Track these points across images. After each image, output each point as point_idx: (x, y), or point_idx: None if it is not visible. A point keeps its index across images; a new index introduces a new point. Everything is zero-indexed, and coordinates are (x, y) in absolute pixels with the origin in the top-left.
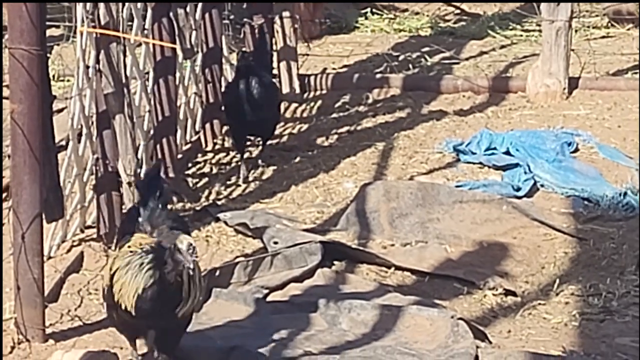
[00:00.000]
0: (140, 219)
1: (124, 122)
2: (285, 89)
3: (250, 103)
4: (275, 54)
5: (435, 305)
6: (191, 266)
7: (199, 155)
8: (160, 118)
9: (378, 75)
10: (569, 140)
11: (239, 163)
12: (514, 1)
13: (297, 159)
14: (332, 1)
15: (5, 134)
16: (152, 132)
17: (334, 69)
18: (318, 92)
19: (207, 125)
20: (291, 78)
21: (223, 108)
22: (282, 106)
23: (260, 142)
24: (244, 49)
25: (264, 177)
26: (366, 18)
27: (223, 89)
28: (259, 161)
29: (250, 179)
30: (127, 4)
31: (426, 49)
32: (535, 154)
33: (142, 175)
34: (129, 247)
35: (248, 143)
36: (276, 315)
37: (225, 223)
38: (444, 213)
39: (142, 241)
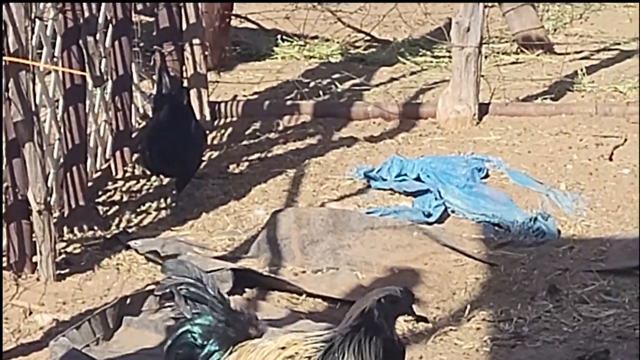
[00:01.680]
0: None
1: (33, 150)
2: (196, 116)
3: (179, 147)
4: (185, 81)
5: None
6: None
7: (109, 183)
8: (70, 146)
9: (288, 102)
10: (479, 166)
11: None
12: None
13: (208, 186)
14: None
15: None
16: (62, 160)
17: (244, 96)
18: (228, 119)
19: (118, 153)
20: (201, 105)
21: (142, 142)
22: None
23: (175, 185)
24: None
25: (175, 204)
26: (276, 45)
27: (148, 124)
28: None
29: (162, 206)
30: (36, 31)
31: (336, 75)
32: (446, 179)
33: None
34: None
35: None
36: None
37: (136, 251)
38: (355, 239)
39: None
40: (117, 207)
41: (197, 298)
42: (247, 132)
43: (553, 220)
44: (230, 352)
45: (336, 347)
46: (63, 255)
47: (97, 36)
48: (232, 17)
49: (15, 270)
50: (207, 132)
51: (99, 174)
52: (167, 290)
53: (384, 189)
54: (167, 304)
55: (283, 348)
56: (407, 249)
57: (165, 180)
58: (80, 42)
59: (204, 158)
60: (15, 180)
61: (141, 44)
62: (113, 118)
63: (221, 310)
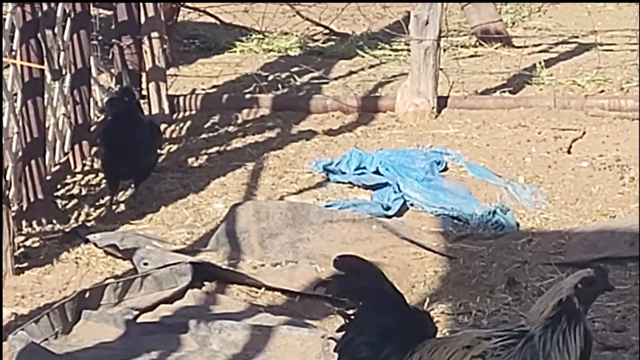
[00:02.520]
0: None
1: None
2: (155, 110)
3: (132, 148)
4: (144, 74)
5: (306, 325)
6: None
7: (68, 176)
8: (28, 139)
9: (247, 96)
10: (438, 159)
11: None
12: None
13: (167, 180)
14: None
15: None
16: (20, 153)
17: (203, 89)
18: (187, 113)
19: (76, 147)
20: (160, 99)
21: (99, 149)
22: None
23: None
24: (123, 85)
25: (134, 198)
26: (235, 38)
27: (101, 129)
28: (132, 200)
29: (120, 200)
30: None
31: (295, 68)
32: (405, 173)
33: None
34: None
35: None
36: (147, 336)
37: (95, 245)
38: (314, 233)
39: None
40: (76, 200)
41: (369, 298)
42: (206, 126)
43: (512, 213)
44: (412, 353)
45: (536, 341)
46: (22, 249)
47: (56, 29)
48: (191, 10)
49: None
50: (166, 125)
51: (57, 167)
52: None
53: (343, 183)
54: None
55: (468, 347)
56: (366, 242)
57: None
58: (39, 35)
59: (162, 152)
60: None
61: (100, 38)
62: (72, 111)
63: (395, 308)
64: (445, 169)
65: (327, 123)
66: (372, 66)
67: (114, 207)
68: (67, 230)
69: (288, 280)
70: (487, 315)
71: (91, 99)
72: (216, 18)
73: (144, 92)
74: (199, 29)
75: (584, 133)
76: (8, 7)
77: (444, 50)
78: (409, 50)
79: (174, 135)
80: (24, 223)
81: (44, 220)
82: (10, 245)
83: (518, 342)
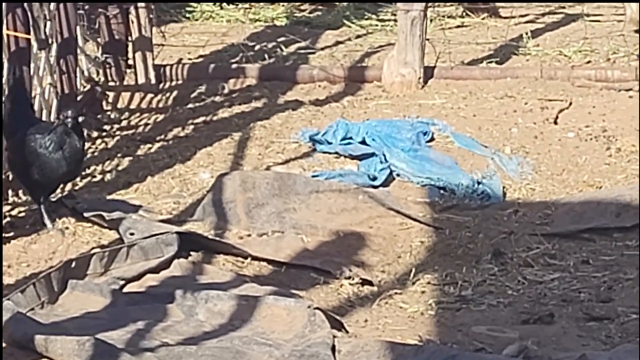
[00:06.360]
0: None
1: None
2: (141, 80)
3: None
4: (130, 44)
5: (292, 295)
6: None
7: None
8: None
9: (234, 65)
10: (424, 130)
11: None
12: None
13: (153, 150)
14: None
15: None
16: None
17: (189, 59)
18: (174, 83)
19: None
20: (147, 68)
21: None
22: (137, 98)
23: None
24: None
25: (120, 167)
26: (221, 8)
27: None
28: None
29: (107, 169)
30: None
31: (282, 38)
32: (391, 143)
33: None
34: None
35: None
36: (132, 306)
37: (82, 214)
38: (300, 203)
39: None
40: None
41: None
42: (192, 95)
43: (498, 178)
44: None
45: None
46: (8, 219)
47: None
48: None
49: None
50: (152, 95)
51: None
52: None
53: (330, 153)
54: None
55: None
56: (353, 212)
57: (111, 144)
58: (25, 5)
59: (149, 121)
60: None
61: (86, 7)
62: (58, 81)
63: None
64: (432, 139)
65: (314, 93)
66: (358, 36)
67: (99, 175)
68: (53, 199)
69: (274, 250)
70: (473, 285)
71: (77, 69)
72: None
73: (130, 62)
74: None
75: (570, 104)
76: None
77: (431, 20)
78: (395, 20)
79: (160, 105)
80: (10, 192)
81: None
82: None
83: None
